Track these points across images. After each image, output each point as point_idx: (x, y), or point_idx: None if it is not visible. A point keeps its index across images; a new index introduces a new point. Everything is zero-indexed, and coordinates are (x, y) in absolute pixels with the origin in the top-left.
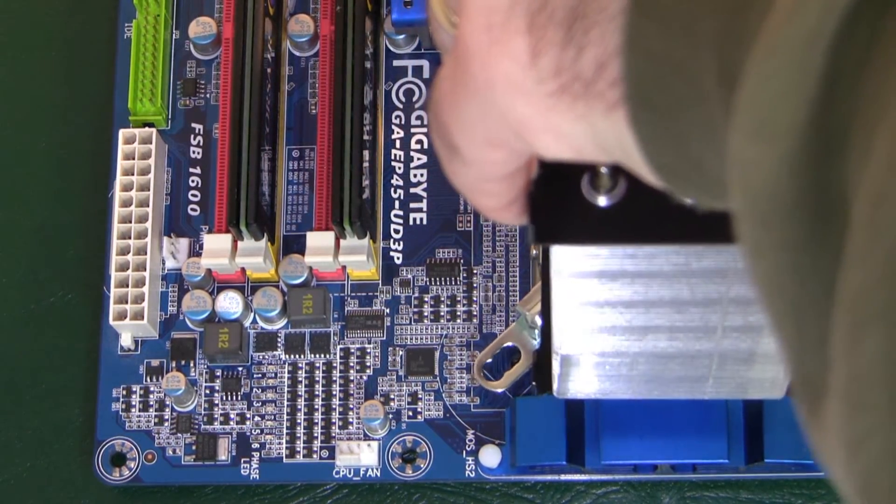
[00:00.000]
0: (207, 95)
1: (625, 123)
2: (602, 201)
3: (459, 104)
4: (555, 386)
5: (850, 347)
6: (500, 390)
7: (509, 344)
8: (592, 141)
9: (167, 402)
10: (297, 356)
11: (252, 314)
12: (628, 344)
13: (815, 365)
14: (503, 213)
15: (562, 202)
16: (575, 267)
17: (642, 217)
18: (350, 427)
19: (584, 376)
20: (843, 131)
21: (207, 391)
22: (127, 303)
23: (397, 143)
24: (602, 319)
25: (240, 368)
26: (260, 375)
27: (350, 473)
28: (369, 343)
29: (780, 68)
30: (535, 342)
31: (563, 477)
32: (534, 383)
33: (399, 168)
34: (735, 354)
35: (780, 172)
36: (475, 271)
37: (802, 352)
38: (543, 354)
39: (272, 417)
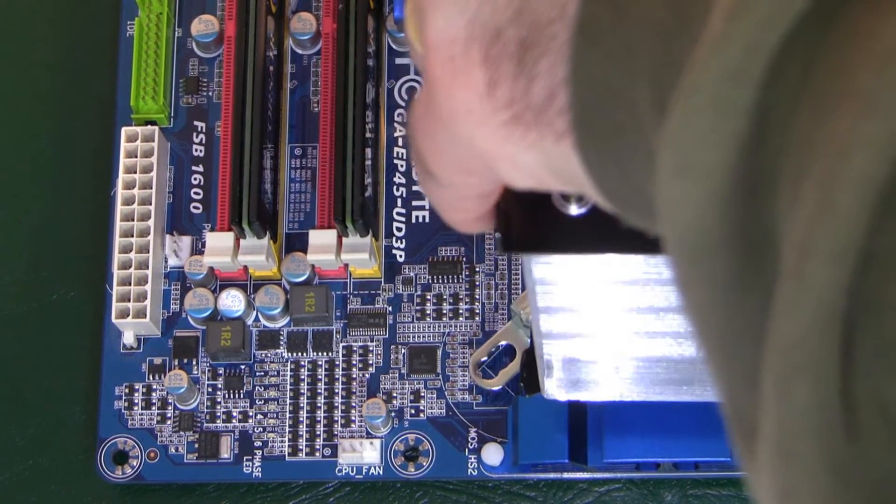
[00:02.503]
0: (210, 93)
1: (573, 150)
2: (573, 210)
3: (430, 132)
4: (543, 388)
5: (779, 396)
6: (495, 388)
7: (504, 343)
8: (547, 169)
9: (169, 401)
10: (299, 354)
11: (254, 312)
12: (608, 348)
13: (746, 400)
14: (472, 225)
15: (532, 211)
16: (548, 274)
17: (613, 226)
18: (352, 425)
19: (569, 379)
20: (773, 173)
21: (210, 389)
22: (129, 301)
23: (399, 141)
24: (580, 325)
25: (242, 366)
26: (262, 373)
27: (352, 471)
28: (372, 341)
29: (703, 107)
30: (529, 341)
31: (566, 475)
32: (521, 384)
33: (401, 166)
34: None
35: (707, 210)
36: (477, 269)
37: (733, 386)
38: (531, 357)
39: (274, 415)
